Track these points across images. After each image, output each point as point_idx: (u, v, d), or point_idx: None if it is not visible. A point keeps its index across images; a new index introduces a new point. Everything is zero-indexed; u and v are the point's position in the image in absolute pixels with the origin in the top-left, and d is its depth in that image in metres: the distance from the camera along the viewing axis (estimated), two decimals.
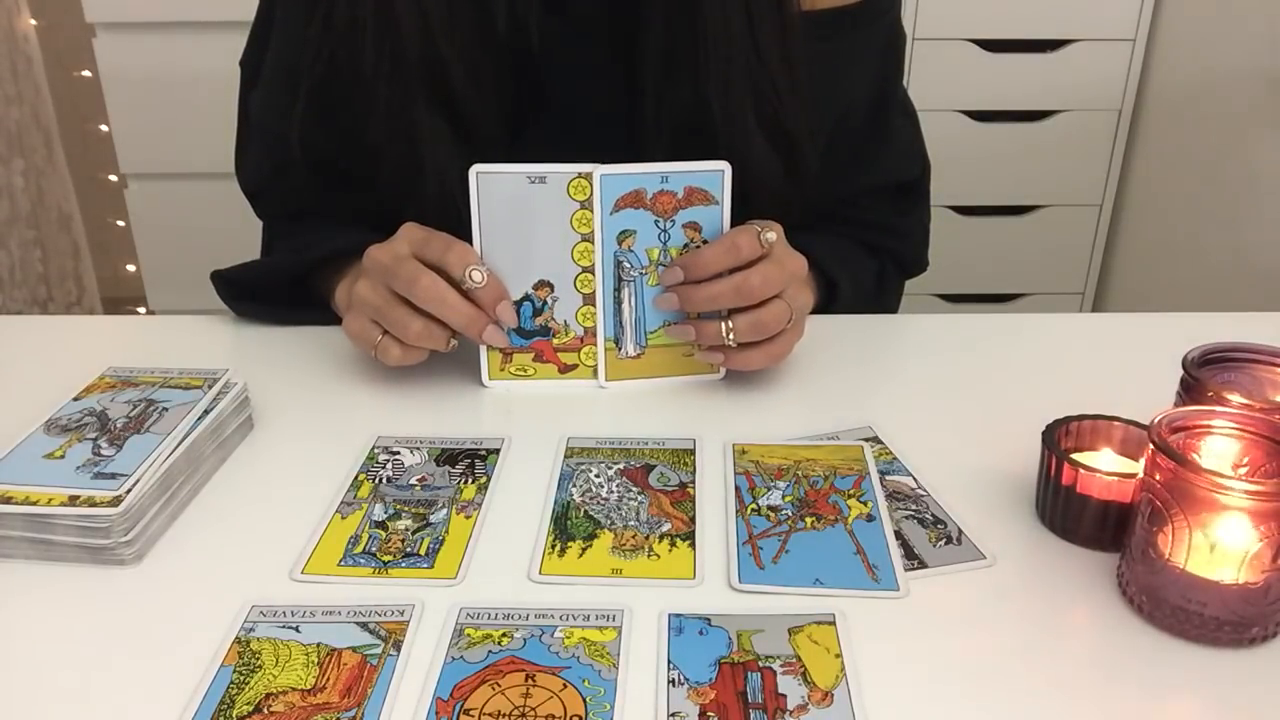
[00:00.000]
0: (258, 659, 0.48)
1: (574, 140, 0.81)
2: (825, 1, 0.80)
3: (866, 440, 0.65)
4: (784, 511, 0.58)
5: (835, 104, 0.83)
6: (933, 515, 0.58)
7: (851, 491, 0.60)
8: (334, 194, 0.86)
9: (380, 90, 0.76)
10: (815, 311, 0.83)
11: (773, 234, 0.68)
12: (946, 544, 0.56)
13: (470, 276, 0.67)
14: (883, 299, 0.91)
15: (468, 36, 0.75)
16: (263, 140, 0.86)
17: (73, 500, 0.54)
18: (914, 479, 0.61)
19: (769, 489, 0.60)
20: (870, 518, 0.57)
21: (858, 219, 0.89)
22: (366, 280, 0.70)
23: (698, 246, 0.69)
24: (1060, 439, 0.57)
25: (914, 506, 0.59)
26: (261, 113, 0.85)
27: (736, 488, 0.60)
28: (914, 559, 0.54)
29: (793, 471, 0.62)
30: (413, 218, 0.76)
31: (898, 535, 0.56)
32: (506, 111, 0.79)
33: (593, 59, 0.80)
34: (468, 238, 0.73)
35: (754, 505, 0.59)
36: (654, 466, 0.62)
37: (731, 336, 0.68)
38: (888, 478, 0.61)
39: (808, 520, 0.57)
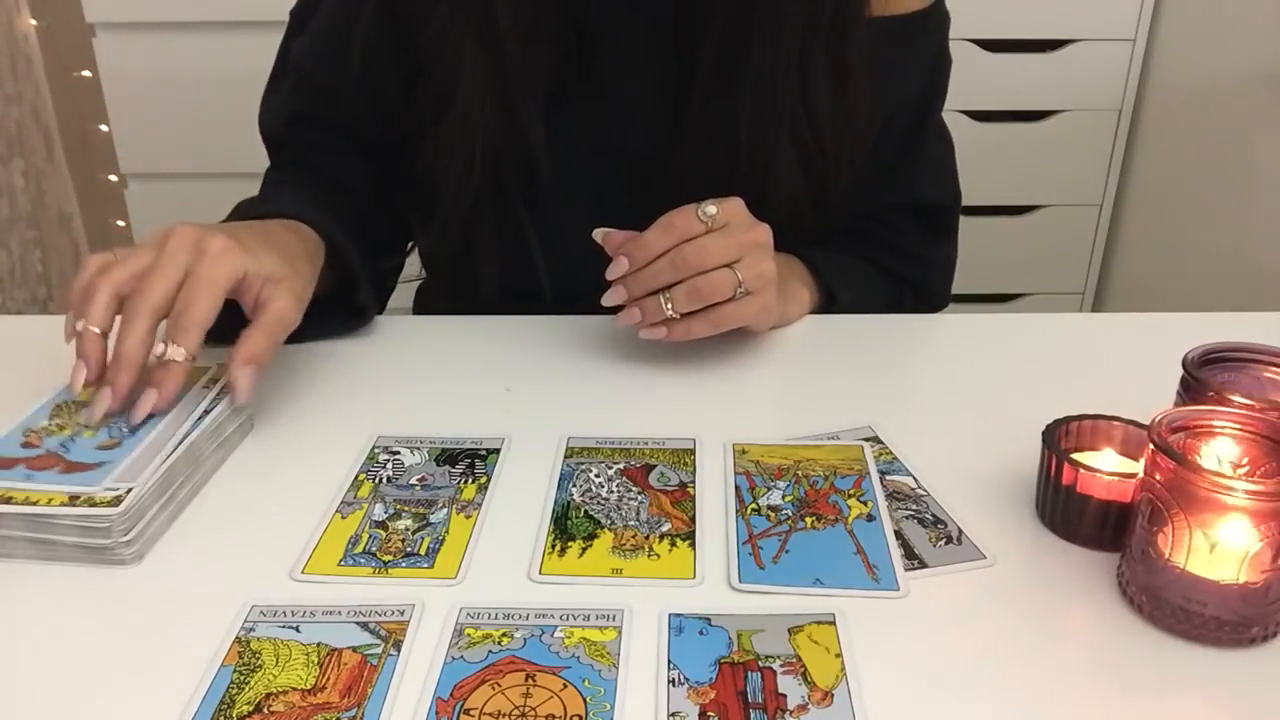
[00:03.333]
0: (258, 659, 0.48)
1: (609, 118, 0.81)
2: (893, 8, 0.80)
3: (866, 440, 0.65)
4: (784, 511, 0.58)
5: (879, 115, 0.82)
6: (933, 515, 0.58)
7: (851, 491, 0.60)
8: (342, 157, 0.85)
9: (432, 24, 0.77)
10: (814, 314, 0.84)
11: (712, 208, 0.68)
12: (946, 544, 0.56)
13: (170, 348, 0.59)
14: None
15: None
16: (295, 86, 0.85)
17: (73, 500, 0.54)
18: (914, 479, 0.61)
19: (769, 489, 0.60)
20: (870, 518, 0.57)
21: (884, 240, 0.89)
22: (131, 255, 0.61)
23: None
24: (1060, 439, 0.57)
25: (914, 506, 0.59)
26: (304, 58, 0.84)
27: (736, 488, 0.60)
28: (914, 559, 0.54)
29: (793, 471, 0.62)
30: (432, 150, 0.77)
31: (898, 535, 0.56)
32: (550, 70, 0.79)
33: (648, 47, 0.80)
34: (476, 178, 0.76)
35: (754, 505, 0.59)
36: (654, 466, 0.62)
37: (670, 307, 0.68)
38: (888, 478, 0.61)
39: (808, 520, 0.57)
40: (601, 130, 0.81)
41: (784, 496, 0.59)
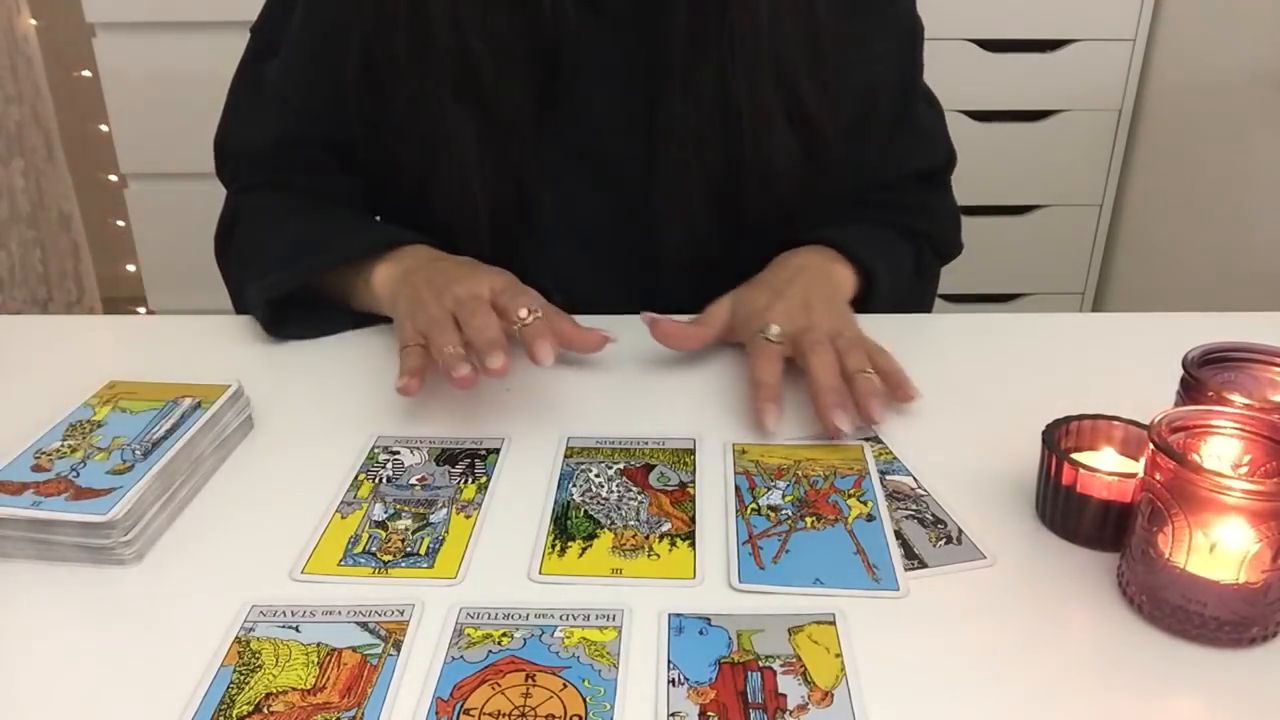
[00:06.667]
0: (258, 659, 0.48)
1: (587, 131, 0.82)
2: None
3: (867, 440, 0.65)
4: (784, 511, 0.58)
5: (857, 88, 0.83)
6: (933, 515, 0.58)
7: (851, 491, 0.60)
8: (334, 177, 0.86)
9: (409, 76, 0.78)
10: (858, 300, 0.82)
11: (775, 327, 0.70)
12: (946, 544, 0.56)
13: (518, 314, 0.66)
14: (923, 283, 0.91)
15: (501, 27, 0.76)
16: (276, 107, 0.85)
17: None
18: (914, 479, 0.61)
19: (769, 489, 0.60)
20: (870, 517, 0.57)
21: (891, 203, 0.89)
22: (434, 299, 0.69)
23: None
24: (1060, 439, 0.57)
25: (914, 506, 0.59)
26: (282, 82, 0.84)
27: (737, 487, 0.60)
28: (914, 559, 0.54)
29: (793, 471, 0.62)
30: (432, 203, 0.78)
31: (898, 535, 0.56)
32: (533, 101, 0.80)
33: (614, 51, 0.80)
34: (480, 224, 0.78)
35: (754, 505, 0.59)
36: (654, 466, 0.62)
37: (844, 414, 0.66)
38: (888, 478, 0.61)
39: (808, 520, 0.57)
40: (583, 142, 0.82)
41: (784, 496, 0.59)
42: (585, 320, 0.79)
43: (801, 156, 0.80)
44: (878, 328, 0.82)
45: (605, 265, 0.85)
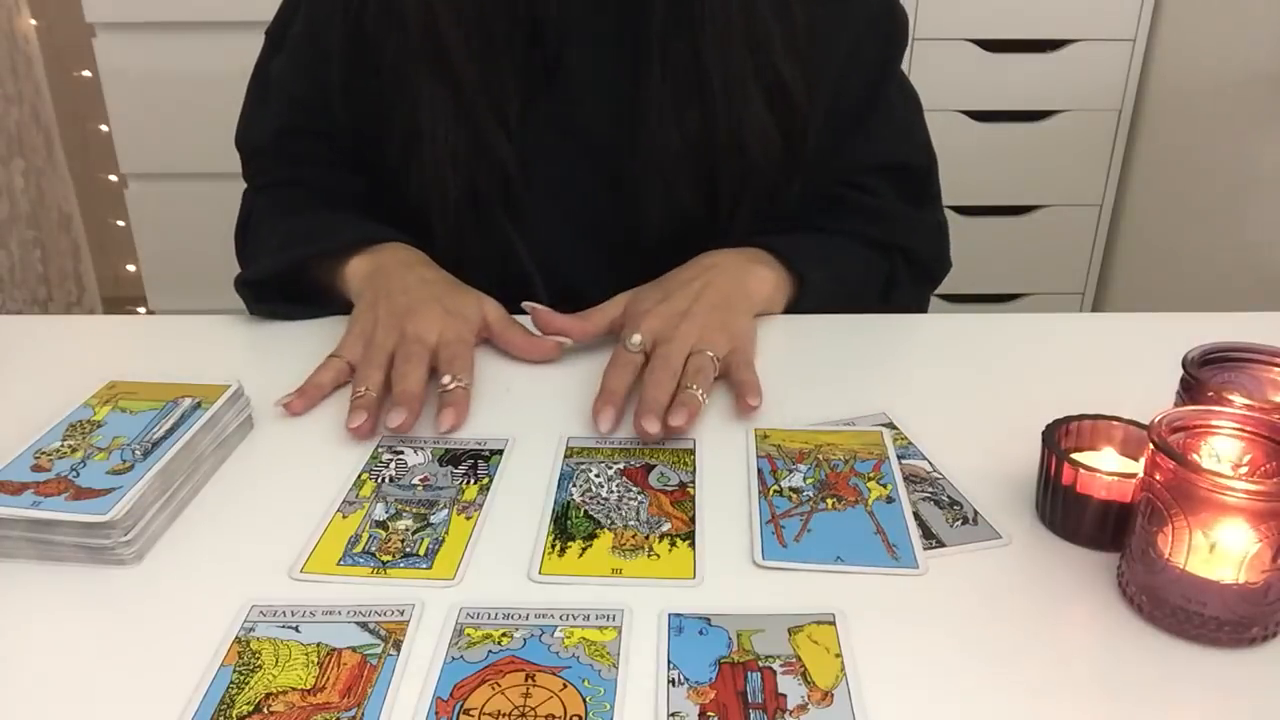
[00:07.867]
0: (258, 659, 0.48)
1: (574, 108, 0.83)
2: None
3: (883, 426, 0.66)
4: (805, 493, 0.59)
5: (832, 69, 0.83)
6: (948, 497, 0.59)
7: (871, 475, 0.61)
8: (331, 169, 0.88)
9: (385, 55, 0.79)
10: (791, 309, 0.82)
11: (637, 337, 0.69)
12: (963, 524, 0.57)
13: (442, 379, 0.68)
14: (893, 299, 0.88)
15: (477, 11, 0.77)
16: (279, 100, 0.87)
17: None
18: (929, 463, 0.62)
19: (790, 471, 0.61)
20: (890, 500, 0.58)
21: (864, 207, 0.87)
22: (384, 326, 0.71)
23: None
24: (1060, 439, 0.57)
25: (930, 489, 0.60)
26: (283, 75, 0.87)
27: (759, 470, 0.61)
28: (932, 538, 0.56)
29: (814, 455, 0.63)
30: (414, 185, 0.80)
31: (916, 516, 0.57)
32: (514, 83, 0.81)
33: (601, 29, 0.81)
34: (449, 206, 0.79)
35: (776, 487, 0.60)
36: (654, 466, 0.62)
37: (701, 393, 0.66)
38: (903, 461, 0.62)
39: (829, 501, 0.58)
40: (568, 120, 0.83)
41: (805, 479, 0.60)
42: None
43: (777, 128, 0.80)
44: (879, 328, 0.82)
45: (588, 244, 0.86)
